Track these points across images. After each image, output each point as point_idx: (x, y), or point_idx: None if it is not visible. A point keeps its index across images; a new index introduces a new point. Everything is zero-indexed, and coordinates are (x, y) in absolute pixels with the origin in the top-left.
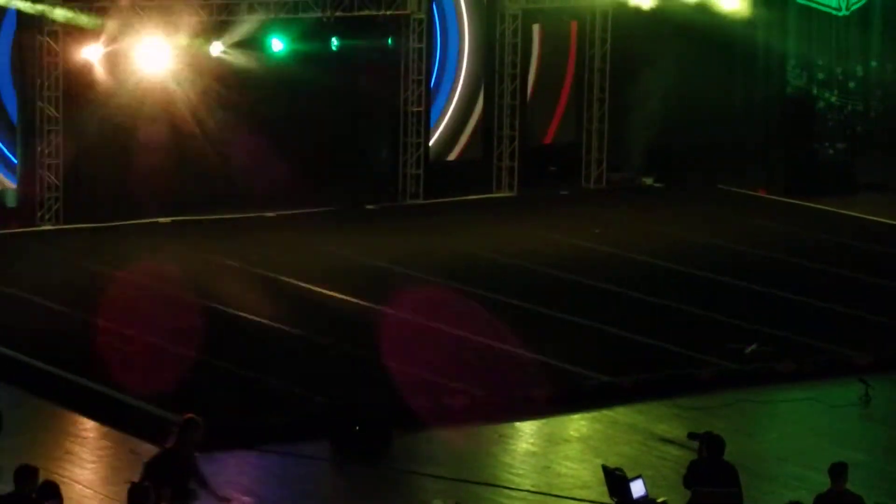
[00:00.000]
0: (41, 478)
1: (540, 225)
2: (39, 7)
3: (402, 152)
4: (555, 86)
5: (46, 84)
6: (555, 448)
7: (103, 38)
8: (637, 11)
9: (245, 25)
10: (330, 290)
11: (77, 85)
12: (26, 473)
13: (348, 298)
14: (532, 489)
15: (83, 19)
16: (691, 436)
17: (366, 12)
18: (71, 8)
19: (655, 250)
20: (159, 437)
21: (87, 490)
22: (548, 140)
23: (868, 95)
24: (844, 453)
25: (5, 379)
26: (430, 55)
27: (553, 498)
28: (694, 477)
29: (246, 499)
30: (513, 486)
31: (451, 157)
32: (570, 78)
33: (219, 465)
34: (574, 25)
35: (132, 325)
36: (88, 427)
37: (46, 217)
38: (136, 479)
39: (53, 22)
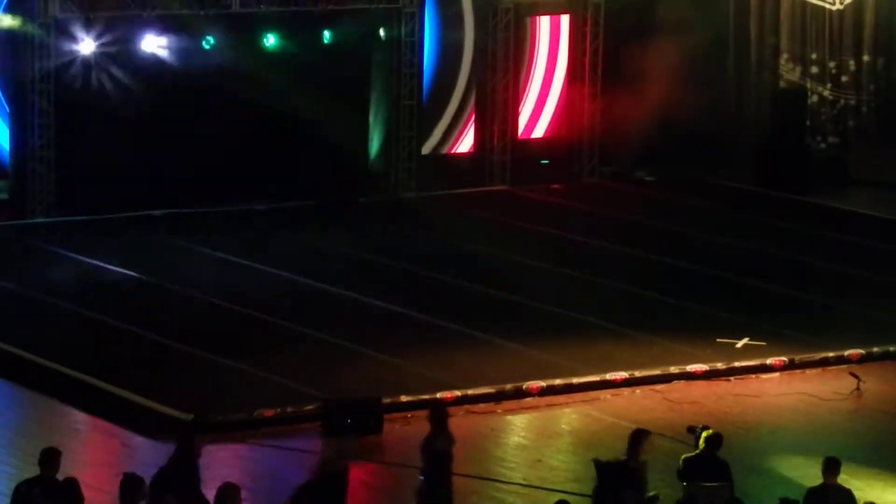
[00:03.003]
0: (31, 472)
1: (532, 219)
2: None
3: (394, 145)
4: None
5: (39, 77)
6: (546, 441)
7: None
8: (629, 5)
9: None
10: (322, 283)
11: (70, 77)
12: (50, 456)
13: (340, 291)
14: (523, 482)
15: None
16: (690, 429)
17: (358, 5)
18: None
19: (646, 244)
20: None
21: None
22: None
23: (861, 90)
24: (836, 447)
25: None
26: (422, 48)
27: (544, 491)
28: (687, 471)
29: None
30: (504, 480)
31: (445, 150)
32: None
33: (210, 458)
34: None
35: (124, 318)
36: (80, 419)
37: (39, 210)
38: (127, 469)
39: (46, 13)
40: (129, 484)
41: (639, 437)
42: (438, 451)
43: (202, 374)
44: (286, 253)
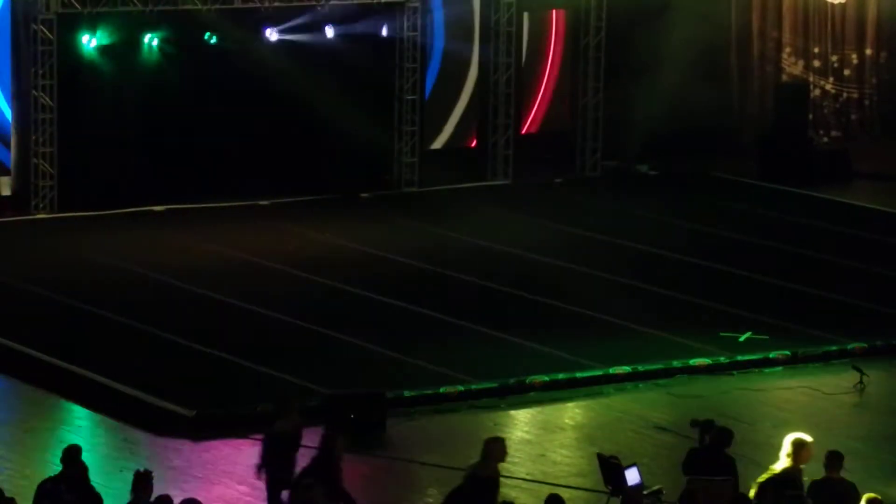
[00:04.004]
0: (35, 467)
1: (534, 212)
2: None
3: (396, 140)
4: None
5: (41, 73)
6: (550, 436)
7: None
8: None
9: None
10: (323, 278)
11: (72, 74)
12: (72, 454)
13: (342, 286)
14: (527, 477)
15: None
16: (693, 423)
17: (361, 0)
18: None
19: (649, 238)
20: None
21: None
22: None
23: (863, 83)
24: (839, 441)
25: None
26: (425, 43)
27: (548, 486)
28: (692, 465)
29: (240, 487)
30: (508, 475)
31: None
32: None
33: (211, 453)
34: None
35: (127, 314)
36: (82, 415)
37: (41, 206)
38: (136, 466)
39: (48, 10)
40: (141, 480)
41: (801, 445)
42: (280, 434)
43: (204, 370)
44: (288, 248)
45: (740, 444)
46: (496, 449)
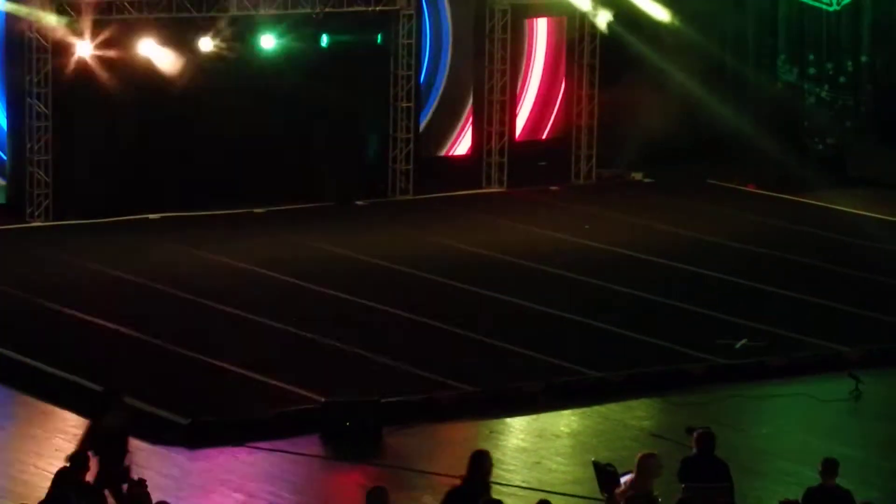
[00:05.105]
0: (31, 475)
1: (529, 220)
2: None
3: (391, 148)
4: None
5: (36, 80)
6: (546, 444)
7: (94, 34)
8: (626, 8)
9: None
10: (319, 286)
11: (67, 81)
12: (81, 459)
13: (338, 294)
14: (523, 485)
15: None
16: (689, 430)
17: (355, 8)
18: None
19: (645, 246)
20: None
21: None
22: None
23: (858, 90)
24: (835, 448)
25: None
26: (420, 51)
27: (544, 494)
28: (686, 472)
29: (236, 495)
30: (503, 482)
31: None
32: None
33: (208, 461)
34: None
35: (122, 322)
36: (78, 423)
37: (36, 214)
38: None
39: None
40: (135, 489)
41: None
42: (111, 427)
43: (199, 377)
44: (283, 255)
45: (736, 451)
46: (652, 464)
